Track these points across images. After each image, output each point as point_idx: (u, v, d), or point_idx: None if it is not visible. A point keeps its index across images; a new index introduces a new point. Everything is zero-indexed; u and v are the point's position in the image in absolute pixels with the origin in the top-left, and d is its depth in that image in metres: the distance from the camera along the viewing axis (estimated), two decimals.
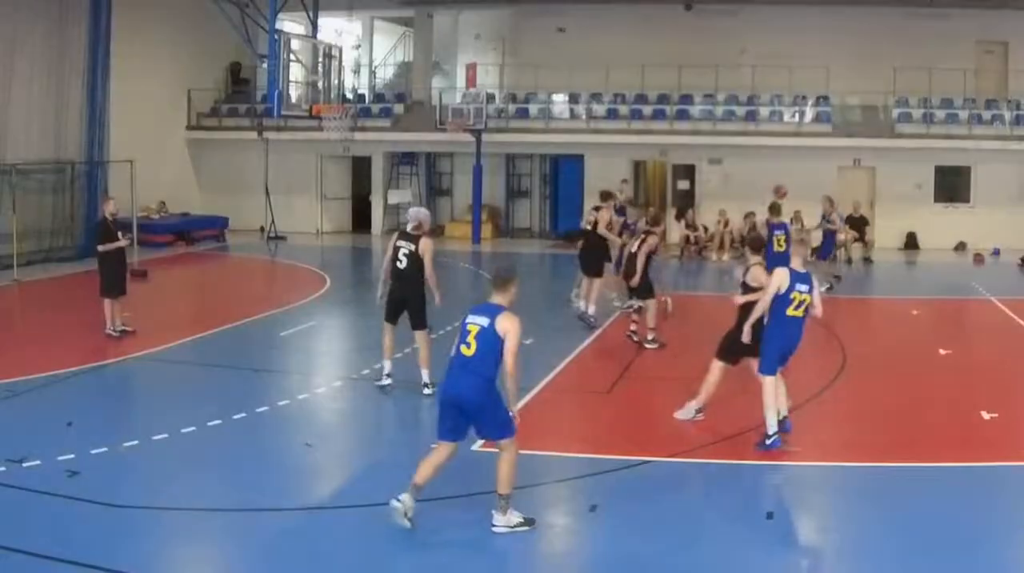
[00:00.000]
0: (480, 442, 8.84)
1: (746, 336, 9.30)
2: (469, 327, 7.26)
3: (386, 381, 11.20)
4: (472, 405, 7.20)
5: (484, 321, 7.23)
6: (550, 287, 19.84)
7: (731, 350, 9.71)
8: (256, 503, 7.79)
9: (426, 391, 10.88)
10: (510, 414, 7.27)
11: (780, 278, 9.07)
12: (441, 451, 7.39)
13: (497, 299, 7.38)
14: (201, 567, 7.07)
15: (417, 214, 11.00)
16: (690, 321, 15.61)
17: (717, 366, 9.83)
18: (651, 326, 13.72)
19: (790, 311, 9.09)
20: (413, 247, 10.72)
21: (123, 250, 14.30)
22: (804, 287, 9.09)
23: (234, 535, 7.39)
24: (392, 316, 11.12)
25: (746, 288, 9.67)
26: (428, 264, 10.71)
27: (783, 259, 13.42)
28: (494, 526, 7.33)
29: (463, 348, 7.24)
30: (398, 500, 7.18)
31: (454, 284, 21.23)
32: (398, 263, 10.82)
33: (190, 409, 10.26)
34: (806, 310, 9.14)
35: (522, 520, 7.37)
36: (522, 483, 8.12)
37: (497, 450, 7.38)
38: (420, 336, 11.02)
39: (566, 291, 17.12)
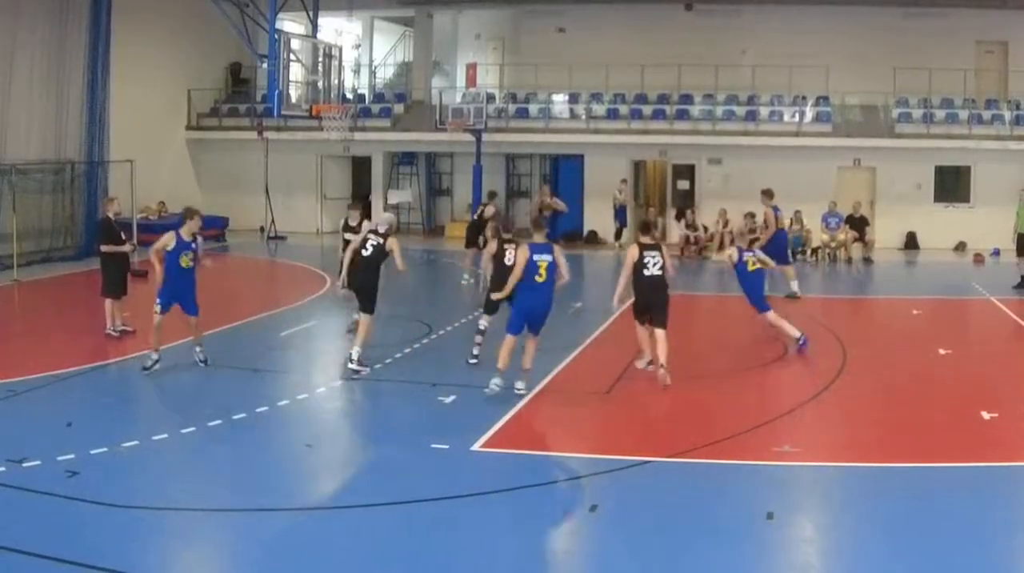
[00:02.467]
0: (480, 442, 8.98)
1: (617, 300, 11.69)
2: (540, 263, 10.35)
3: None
4: (548, 313, 10.65)
5: (549, 257, 10.43)
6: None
7: (639, 313, 11.67)
8: (256, 503, 7.78)
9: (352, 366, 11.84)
10: None
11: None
12: (511, 341, 10.56)
13: (539, 238, 10.64)
14: (201, 567, 7.06)
15: (389, 219, 12.63)
16: (689, 321, 15.62)
17: (637, 326, 11.82)
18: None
19: (750, 267, 13.50)
20: (381, 241, 12.03)
21: (126, 252, 14.30)
22: (749, 254, 13.63)
23: (234, 535, 7.38)
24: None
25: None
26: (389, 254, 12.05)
27: (783, 234, 18.21)
28: (519, 390, 10.60)
29: (537, 278, 10.36)
30: (493, 386, 10.51)
31: (454, 284, 21.23)
32: (364, 251, 12.04)
33: (190, 409, 10.26)
34: (759, 268, 13.59)
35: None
36: (522, 483, 8.13)
37: (528, 348, 10.70)
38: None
39: (567, 293, 17.05)
